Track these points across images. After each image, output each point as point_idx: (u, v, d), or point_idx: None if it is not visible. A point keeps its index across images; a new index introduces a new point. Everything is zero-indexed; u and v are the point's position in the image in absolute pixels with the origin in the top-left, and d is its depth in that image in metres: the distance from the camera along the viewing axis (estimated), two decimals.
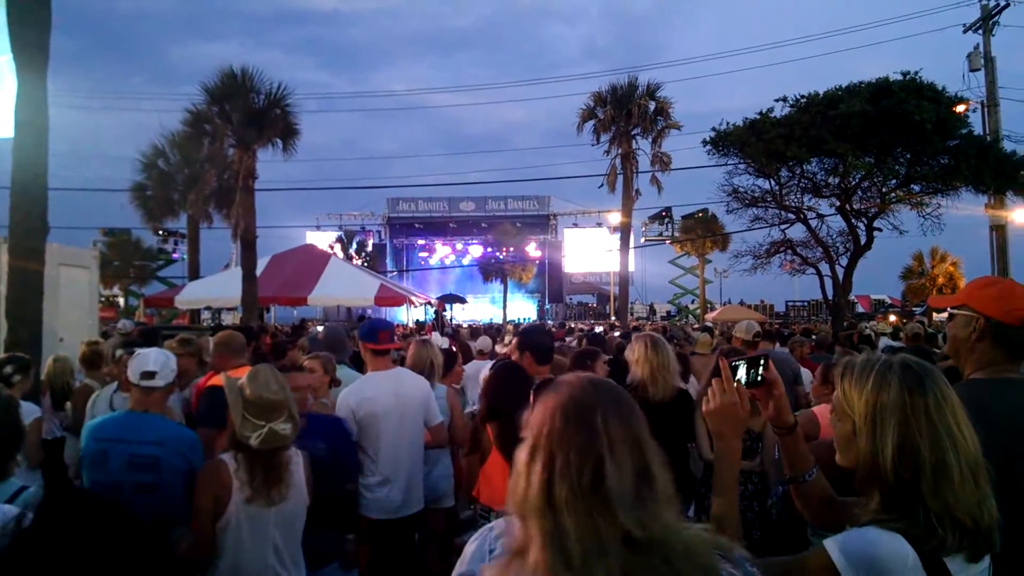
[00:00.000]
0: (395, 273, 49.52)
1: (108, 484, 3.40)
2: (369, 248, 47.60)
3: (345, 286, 19.89)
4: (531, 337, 4.66)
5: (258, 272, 18.29)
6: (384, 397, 4.69)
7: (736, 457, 1.84)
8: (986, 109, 24.49)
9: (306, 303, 20.10)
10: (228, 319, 23.37)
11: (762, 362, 1.97)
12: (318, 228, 51.16)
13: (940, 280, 42.36)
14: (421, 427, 4.86)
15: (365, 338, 4.89)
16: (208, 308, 23.62)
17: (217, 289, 20.27)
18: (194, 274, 26.98)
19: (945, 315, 2.69)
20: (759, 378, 1.97)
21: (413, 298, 21.84)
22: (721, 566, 1.29)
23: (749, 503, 4.72)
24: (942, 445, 1.63)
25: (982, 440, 2.21)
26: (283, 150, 18.64)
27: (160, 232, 36.12)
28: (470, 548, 1.67)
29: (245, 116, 18.02)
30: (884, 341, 11.54)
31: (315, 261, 21.24)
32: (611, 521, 1.22)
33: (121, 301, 41.76)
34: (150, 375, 3.62)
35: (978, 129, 22.60)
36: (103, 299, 34.65)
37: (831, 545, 1.66)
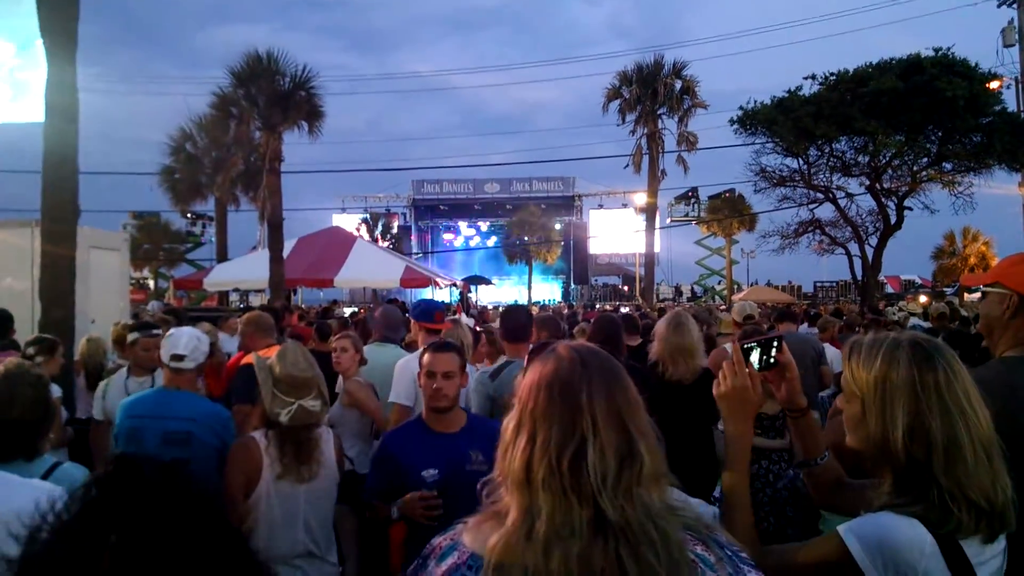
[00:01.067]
0: (420, 255, 49.64)
1: None
2: (394, 230, 47.82)
3: (371, 268, 19.99)
4: (505, 316, 4.94)
5: (285, 254, 18.44)
6: None
7: (747, 440, 1.81)
8: (1020, 85, 23.98)
9: (332, 285, 20.23)
10: (256, 301, 23.59)
11: (775, 344, 1.92)
12: (344, 210, 51.33)
13: (972, 260, 41.69)
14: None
15: (420, 317, 5.17)
16: (236, 290, 23.88)
17: (245, 271, 20.46)
18: (222, 256, 27.25)
19: (977, 295, 2.64)
20: (772, 360, 1.92)
21: (438, 280, 21.91)
22: (693, 551, 1.24)
23: (773, 480, 4.73)
24: (953, 422, 1.58)
25: (1016, 418, 2.20)
26: (308, 132, 18.73)
27: (188, 215, 36.55)
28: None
29: (271, 99, 18.11)
30: (914, 322, 11.39)
31: (341, 243, 21.35)
32: (586, 503, 1.21)
33: (151, 283, 42.29)
34: (179, 358, 3.69)
35: (1012, 106, 22.15)
36: (133, 281, 35.12)
37: (846, 531, 1.62)
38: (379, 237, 43.40)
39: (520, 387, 1.36)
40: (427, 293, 28.11)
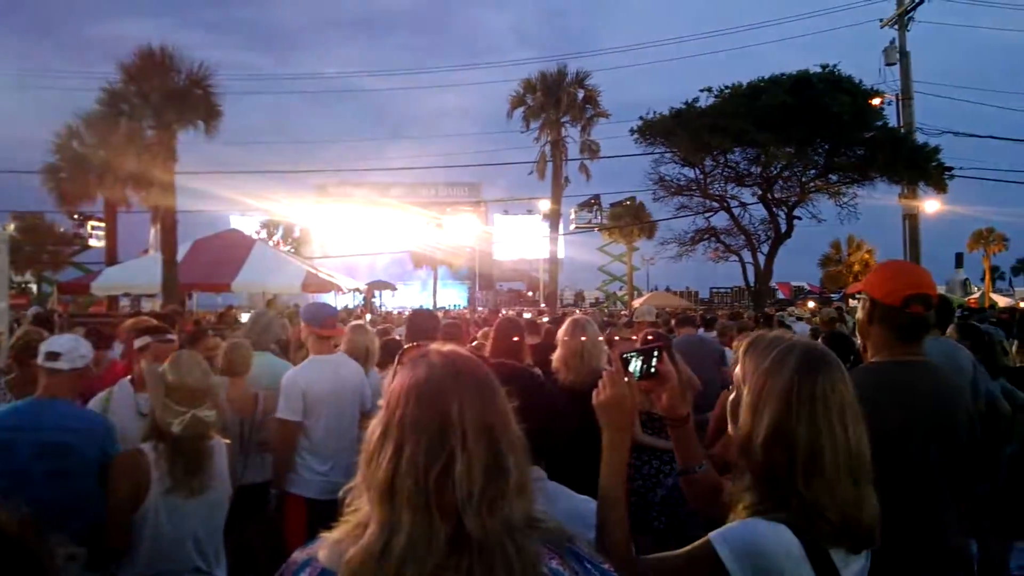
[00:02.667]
0: (323, 259, 48.73)
1: (15, 473, 3.27)
2: (296, 234, 46.75)
3: (271, 272, 19.47)
4: (412, 321, 5.00)
5: (179, 257, 17.81)
6: (326, 380, 4.76)
7: (625, 449, 1.81)
8: (901, 102, 25.37)
9: (230, 289, 19.61)
10: (148, 306, 22.67)
11: (656, 354, 1.93)
12: (243, 213, 49.91)
13: (856, 267, 43.97)
14: (356, 412, 4.87)
15: (311, 322, 4.99)
16: (127, 295, 22.87)
17: (136, 275, 19.63)
18: (111, 259, 26.08)
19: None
20: (652, 370, 1.92)
21: (341, 285, 21.56)
22: (548, 565, 1.23)
23: (664, 480, 4.86)
24: (819, 436, 1.60)
25: (873, 422, 2.31)
26: (205, 132, 18.17)
27: (75, 216, 34.79)
28: None
29: (164, 96, 17.49)
30: (801, 326, 11.94)
31: (239, 246, 20.73)
32: (448, 519, 1.18)
33: (34, 288, 40.06)
34: (54, 356, 3.46)
35: (893, 121, 23.44)
36: (14, 286, 33.20)
37: (716, 538, 1.63)
38: (280, 241, 42.35)
39: (388, 391, 1.31)
40: (330, 298, 27.60)
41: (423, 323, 4.92)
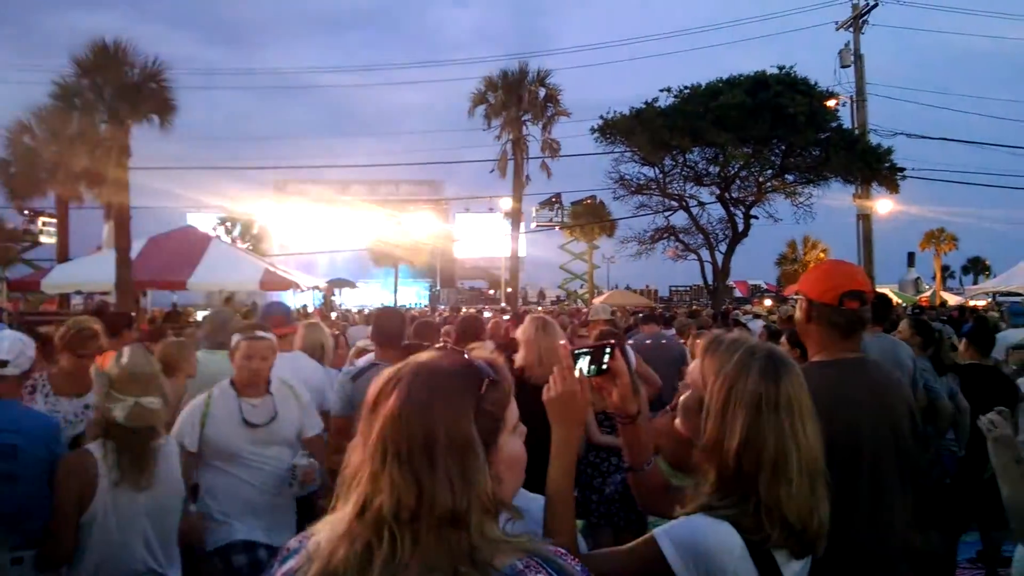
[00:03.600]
0: (281, 257, 48.22)
1: None
2: (254, 231, 46.12)
3: (228, 270, 19.17)
4: (378, 320, 4.85)
5: (133, 254, 17.47)
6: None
7: (575, 445, 1.81)
8: (855, 104, 25.88)
9: (185, 287, 19.28)
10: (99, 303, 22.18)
11: (607, 351, 1.93)
12: (199, 210, 49.16)
13: (811, 266, 44.60)
14: (315, 410, 4.82)
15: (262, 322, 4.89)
16: (79, 292, 22.40)
17: (88, 272, 19.19)
18: (63, 256, 25.49)
19: None
20: (603, 367, 1.92)
21: (300, 282, 21.34)
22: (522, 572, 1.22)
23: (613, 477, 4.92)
24: (786, 444, 1.63)
25: (821, 422, 2.35)
26: (160, 127, 17.81)
27: (26, 212, 33.92)
28: None
29: (118, 90, 17.13)
30: (756, 324, 12.12)
31: (195, 243, 20.38)
32: (432, 536, 1.17)
33: None
34: (2, 364, 3.41)
35: (847, 123, 23.91)
36: None
37: (660, 535, 1.65)
38: (238, 238, 41.76)
39: (380, 408, 1.26)
40: (288, 296, 27.30)
41: (389, 322, 4.84)
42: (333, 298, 28.13)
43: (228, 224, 42.22)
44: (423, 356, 1.35)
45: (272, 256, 42.70)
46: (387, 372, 1.32)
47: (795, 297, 2.90)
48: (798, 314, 2.63)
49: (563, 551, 1.31)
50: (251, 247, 39.11)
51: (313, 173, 54.19)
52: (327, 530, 1.25)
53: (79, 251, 26.05)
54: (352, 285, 33.99)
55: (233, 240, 39.32)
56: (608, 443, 4.95)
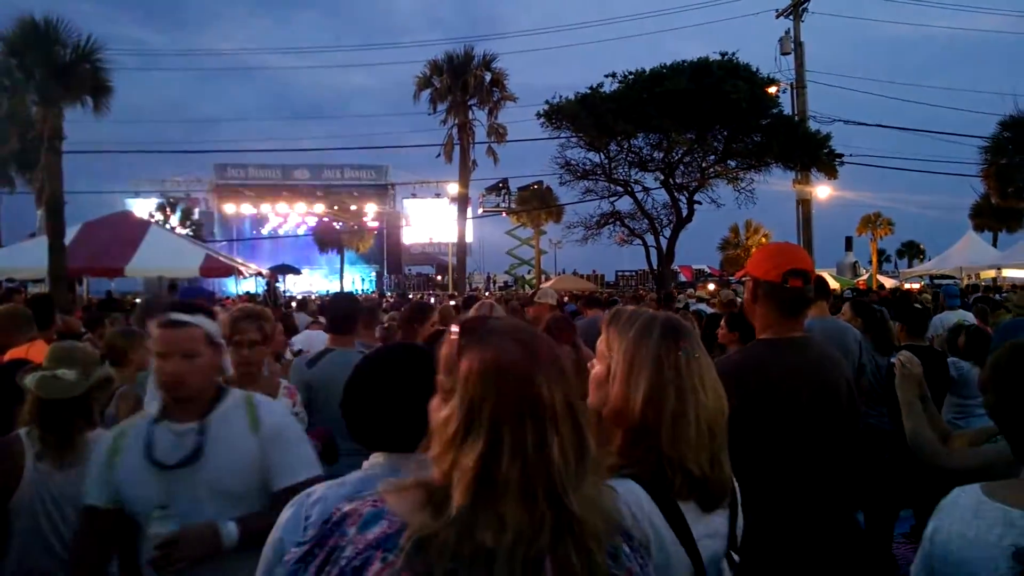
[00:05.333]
0: (224, 243, 47.27)
1: None
2: (195, 216, 45.10)
3: (167, 255, 18.74)
4: (330, 305, 4.82)
5: (67, 241, 16.95)
6: None
7: None
8: (795, 91, 26.35)
9: (123, 274, 18.79)
10: (34, 292, 21.49)
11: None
12: (138, 195, 47.82)
13: (754, 251, 45.35)
14: None
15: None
16: (10, 280, 21.68)
17: (20, 259, 18.57)
18: None
19: None
20: None
21: (242, 268, 20.98)
22: (620, 543, 1.28)
23: None
24: (685, 399, 1.70)
25: (766, 397, 2.39)
26: (94, 109, 17.26)
27: None
28: (286, 514, 1.62)
29: (49, 71, 16.51)
30: (701, 307, 12.33)
31: (133, 229, 19.87)
32: (551, 502, 1.17)
33: None
34: None
35: (787, 109, 24.34)
36: None
37: None
38: (178, 224, 40.77)
39: (458, 371, 1.24)
40: (230, 283, 26.80)
41: (341, 307, 4.77)
42: (277, 285, 27.72)
43: (167, 209, 41.15)
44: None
45: (214, 242, 41.92)
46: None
47: (743, 279, 2.99)
48: (745, 295, 2.71)
49: None
50: (192, 233, 38.25)
51: (255, 157, 53.06)
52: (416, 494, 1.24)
53: (12, 238, 25.27)
54: (296, 271, 33.52)
55: (173, 226, 38.37)
56: None
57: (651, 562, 1.34)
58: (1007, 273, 22.91)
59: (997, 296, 14.85)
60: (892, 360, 3.10)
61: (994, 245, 30.83)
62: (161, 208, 41.30)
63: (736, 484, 1.85)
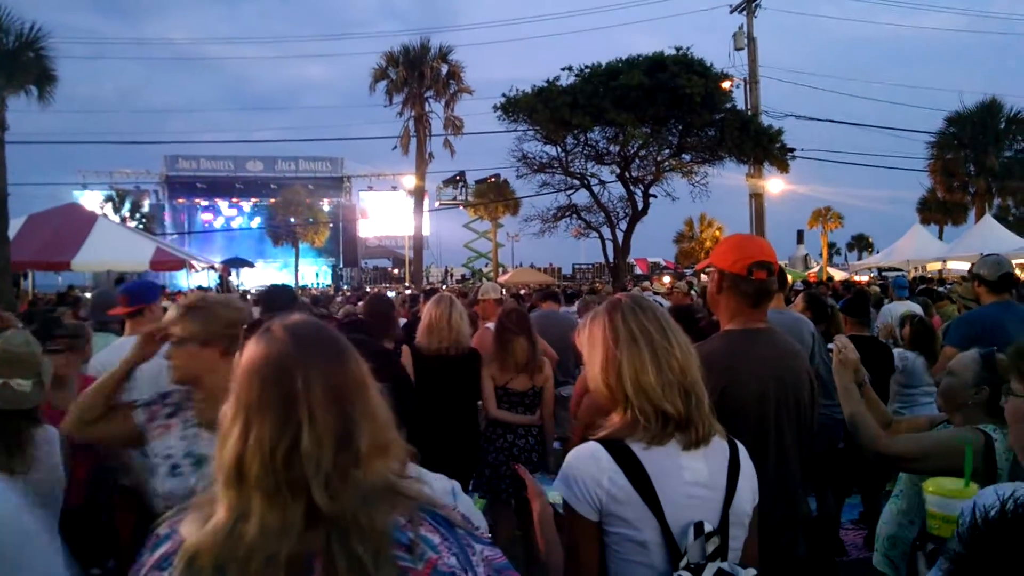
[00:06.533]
0: (175, 236, 46.40)
1: None
2: (145, 209, 44.19)
3: (116, 249, 18.27)
4: (266, 298, 4.64)
5: (12, 234, 16.47)
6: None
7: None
8: (748, 86, 26.74)
9: (70, 268, 18.30)
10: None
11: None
12: (85, 187, 46.66)
13: (708, 244, 46.15)
14: None
15: (118, 301, 4.66)
16: None
17: None
18: None
19: None
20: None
21: (193, 262, 20.61)
22: (416, 532, 1.24)
23: (529, 455, 4.96)
24: (640, 357, 1.85)
25: (738, 386, 2.42)
26: (39, 98, 16.78)
27: None
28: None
29: None
30: (656, 300, 12.48)
31: (80, 222, 19.32)
32: (300, 497, 1.16)
33: None
34: None
35: (740, 104, 24.66)
36: None
37: (555, 483, 1.89)
38: (127, 216, 39.90)
39: (236, 370, 1.27)
40: (181, 276, 26.33)
41: (278, 299, 4.69)
42: (230, 278, 27.31)
43: (116, 201, 40.24)
44: None
45: (165, 235, 41.13)
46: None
47: (708, 270, 3.00)
48: (710, 286, 2.73)
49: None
50: (142, 226, 37.49)
51: (207, 148, 52.12)
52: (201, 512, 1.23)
53: None
54: (249, 264, 33.05)
55: (123, 219, 37.54)
56: (503, 418, 4.99)
57: (478, 543, 1.32)
58: (952, 265, 23.48)
59: (942, 288, 15.26)
60: (830, 346, 3.17)
61: (940, 238, 31.58)
62: (110, 200, 40.38)
63: (742, 448, 1.97)
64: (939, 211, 38.08)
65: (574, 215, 24.91)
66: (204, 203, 53.59)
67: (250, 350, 1.27)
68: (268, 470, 1.16)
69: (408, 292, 17.24)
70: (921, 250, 25.29)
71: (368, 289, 26.07)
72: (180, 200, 52.56)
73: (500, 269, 46.51)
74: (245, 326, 2.75)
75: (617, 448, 1.80)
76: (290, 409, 1.19)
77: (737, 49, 27.08)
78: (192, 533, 1.19)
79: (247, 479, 1.16)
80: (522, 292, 17.46)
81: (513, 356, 4.98)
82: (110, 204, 39.32)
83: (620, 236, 23.42)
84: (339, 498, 1.17)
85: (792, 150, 23.23)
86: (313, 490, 1.16)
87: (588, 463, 1.80)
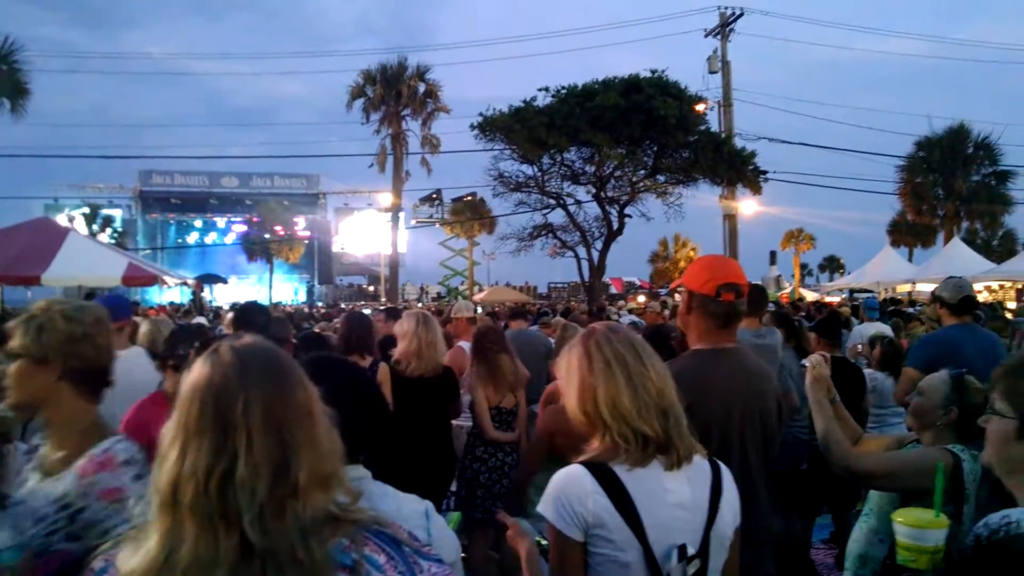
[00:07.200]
0: (148, 251, 45.90)
1: None
2: (118, 224, 43.71)
3: (87, 264, 17.97)
4: (240, 317, 4.64)
5: None
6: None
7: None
8: (722, 108, 27.10)
9: (39, 283, 18.02)
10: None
11: None
12: (56, 201, 46.06)
13: (682, 264, 46.49)
14: None
15: None
16: None
17: None
18: None
19: None
20: None
21: (166, 278, 20.38)
22: (362, 552, 1.23)
23: (508, 471, 4.96)
24: (616, 384, 1.89)
25: (706, 406, 2.46)
26: (11, 111, 16.66)
27: None
28: None
29: None
30: (629, 318, 12.52)
31: (51, 236, 18.99)
32: (234, 528, 1.13)
33: None
34: None
35: (714, 126, 24.96)
36: None
37: (540, 507, 1.89)
38: (99, 231, 39.42)
39: (180, 390, 1.24)
40: (154, 292, 26.04)
41: (252, 318, 4.64)
42: (203, 295, 27.06)
43: (88, 215, 39.77)
44: None
45: (137, 250, 40.68)
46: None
47: (679, 290, 3.06)
48: (681, 306, 2.77)
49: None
50: (115, 241, 37.06)
51: (182, 164, 51.77)
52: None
53: None
54: (223, 281, 32.78)
55: (95, 234, 37.10)
56: (499, 439, 4.98)
57: (425, 560, 1.31)
58: (921, 287, 23.83)
59: (912, 309, 15.48)
60: (804, 363, 3.22)
61: (910, 260, 32.07)
62: (82, 215, 39.92)
63: (724, 469, 2.00)
64: (909, 234, 38.67)
65: (550, 234, 24.97)
66: (178, 218, 53.11)
67: (195, 370, 1.24)
68: (201, 497, 1.12)
69: (383, 310, 17.17)
70: (891, 272, 25.63)
71: (343, 306, 25.96)
72: (154, 215, 52.02)
73: (476, 287, 46.47)
74: (198, 344, 2.69)
75: (601, 471, 1.83)
76: (227, 434, 1.15)
77: (711, 72, 27.47)
78: (126, 563, 1.17)
79: (181, 505, 1.13)
80: (495, 310, 17.46)
81: (503, 374, 5.00)
82: (82, 218, 38.86)
83: (595, 256, 23.52)
84: (273, 532, 1.14)
85: (765, 172, 23.52)
86: (244, 523, 1.12)
87: (573, 484, 1.82)
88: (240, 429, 1.16)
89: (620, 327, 2.08)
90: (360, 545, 1.23)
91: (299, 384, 1.27)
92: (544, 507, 1.85)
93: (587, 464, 1.86)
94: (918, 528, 2.09)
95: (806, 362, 3.16)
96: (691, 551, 1.80)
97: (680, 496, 1.86)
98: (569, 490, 1.82)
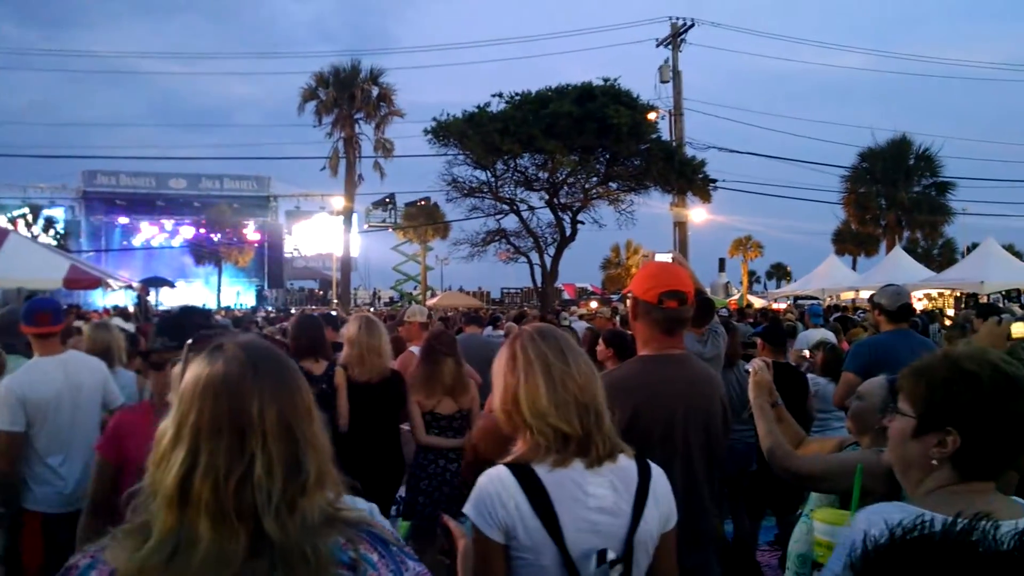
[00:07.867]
0: (92, 253, 44.72)
1: None
2: (60, 225, 42.55)
3: (27, 266, 17.44)
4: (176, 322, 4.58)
5: None
6: (52, 382, 4.28)
7: None
8: (673, 117, 27.42)
9: None
10: None
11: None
12: None
13: (633, 270, 46.82)
14: (97, 412, 4.50)
15: (25, 321, 4.42)
16: None
17: None
18: None
19: None
20: None
21: (110, 280, 19.90)
22: (357, 550, 1.25)
23: (450, 478, 4.94)
24: (536, 382, 1.89)
25: (652, 410, 2.48)
26: None
27: None
28: None
29: None
30: (580, 324, 12.63)
31: None
32: (246, 526, 1.15)
33: None
34: None
35: (665, 135, 25.29)
36: None
37: (465, 511, 1.89)
38: (41, 232, 38.33)
39: (181, 387, 1.23)
40: (97, 295, 25.42)
41: (190, 323, 4.55)
42: (148, 298, 26.50)
43: (28, 217, 38.64)
44: None
45: (80, 252, 39.62)
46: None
47: (627, 296, 3.11)
48: (629, 312, 2.80)
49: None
50: (57, 242, 36.08)
51: (128, 164, 50.53)
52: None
53: None
54: (170, 284, 32.11)
55: (35, 235, 36.07)
56: (434, 444, 4.96)
57: (410, 559, 1.33)
58: (864, 294, 24.39)
59: (855, 315, 15.86)
60: (746, 368, 3.28)
61: (854, 268, 32.84)
62: (23, 215, 38.77)
63: (656, 472, 1.98)
64: (853, 242, 39.62)
65: (503, 240, 25.07)
66: (124, 220, 51.86)
67: (200, 368, 1.23)
68: (217, 496, 1.14)
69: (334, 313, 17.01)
70: (835, 279, 26.20)
71: (293, 311, 25.63)
72: (98, 217, 50.70)
73: (429, 292, 46.31)
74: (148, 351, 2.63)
75: (523, 471, 1.82)
76: (245, 435, 1.17)
77: (663, 82, 27.79)
78: (124, 560, 1.15)
79: (193, 504, 1.14)
80: (448, 315, 17.43)
81: (440, 379, 4.96)
82: (23, 219, 37.75)
83: (548, 261, 23.66)
84: (287, 528, 1.16)
85: (714, 181, 23.94)
86: (264, 520, 1.14)
87: (495, 485, 1.82)
88: (256, 430, 1.18)
89: (548, 328, 2.07)
90: (356, 543, 1.25)
91: (302, 382, 1.30)
92: (468, 507, 1.85)
93: (510, 465, 1.85)
94: (830, 524, 2.20)
95: (748, 367, 3.22)
96: (612, 556, 1.79)
97: (602, 500, 1.84)
98: (491, 491, 1.82)
